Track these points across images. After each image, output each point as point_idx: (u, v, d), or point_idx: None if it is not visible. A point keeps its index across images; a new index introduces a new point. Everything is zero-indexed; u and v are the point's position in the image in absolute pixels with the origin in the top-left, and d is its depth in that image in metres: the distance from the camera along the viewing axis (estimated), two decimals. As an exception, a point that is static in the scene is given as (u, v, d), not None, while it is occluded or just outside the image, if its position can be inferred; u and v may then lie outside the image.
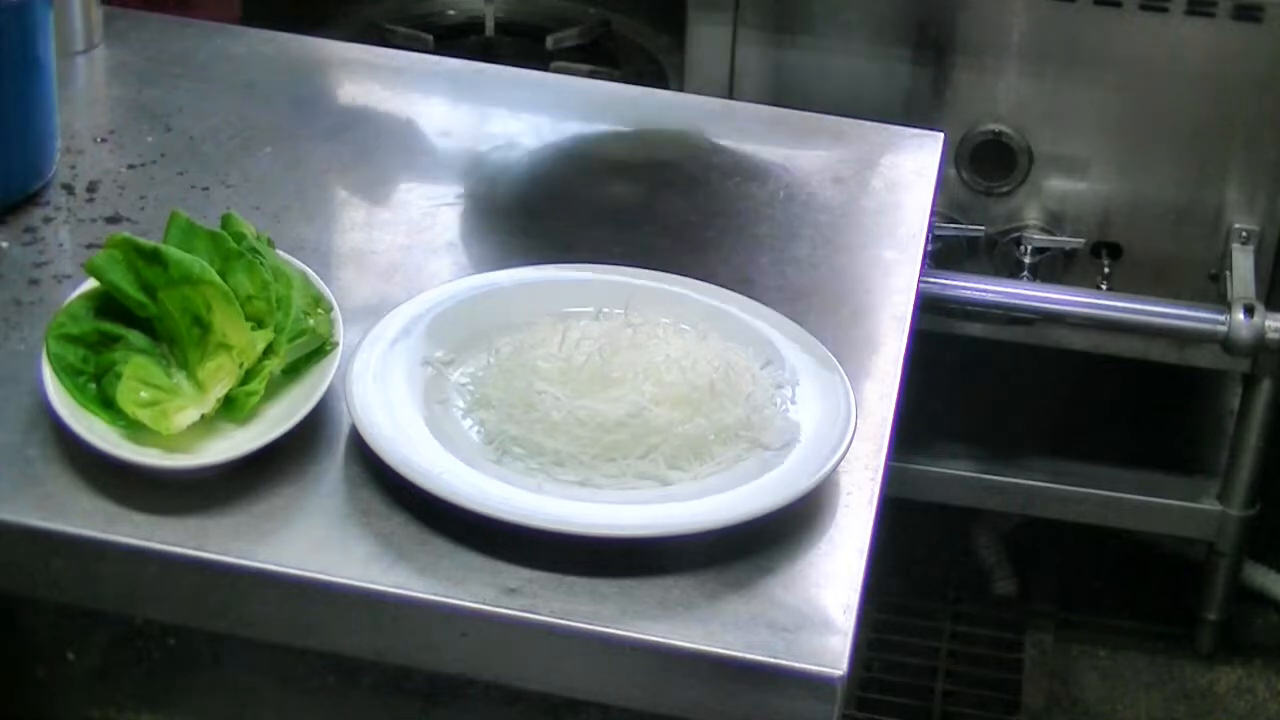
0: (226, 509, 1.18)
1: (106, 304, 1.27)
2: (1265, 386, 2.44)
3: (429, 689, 1.44)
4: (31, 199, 1.48)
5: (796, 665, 1.11)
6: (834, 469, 1.21)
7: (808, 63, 2.42)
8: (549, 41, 2.67)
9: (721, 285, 1.40)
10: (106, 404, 1.21)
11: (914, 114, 2.38)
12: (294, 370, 1.26)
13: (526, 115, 1.69)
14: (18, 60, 1.45)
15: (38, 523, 1.17)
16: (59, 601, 1.34)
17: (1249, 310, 2.30)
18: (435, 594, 1.13)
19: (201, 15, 1.84)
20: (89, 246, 1.42)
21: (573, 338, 1.28)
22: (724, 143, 1.66)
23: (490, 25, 2.73)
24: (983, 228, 2.44)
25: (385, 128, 1.66)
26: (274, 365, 1.24)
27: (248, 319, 1.25)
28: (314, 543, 1.17)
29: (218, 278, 1.25)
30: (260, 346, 1.24)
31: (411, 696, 1.45)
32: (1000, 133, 2.40)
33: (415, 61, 1.79)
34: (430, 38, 2.64)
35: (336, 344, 1.28)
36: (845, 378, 1.29)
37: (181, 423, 1.20)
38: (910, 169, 1.65)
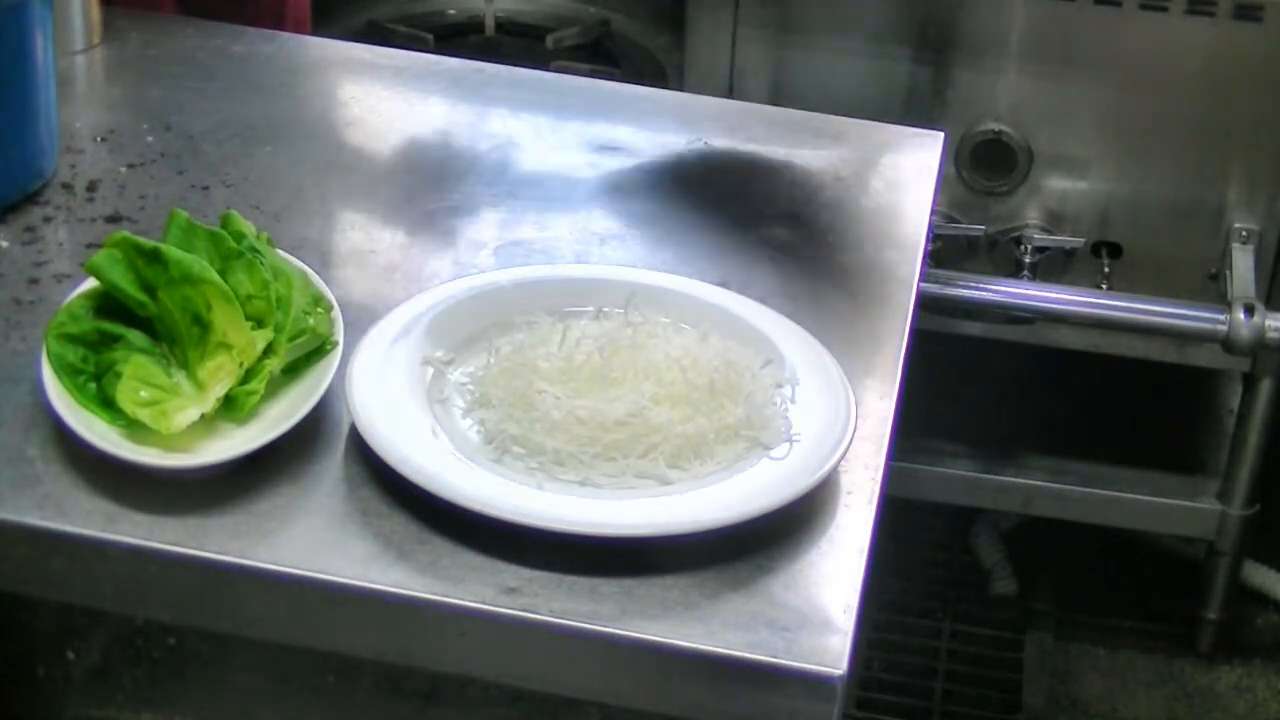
0: (226, 509, 1.18)
1: (106, 303, 1.27)
2: (1265, 386, 2.44)
3: (429, 689, 1.44)
4: (31, 198, 1.48)
5: (796, 665, 1.11)
6: (834, 469, 1.21)
7: (808, 63, 2.42)
8: (549, 41, 2.67)
9: (722, 285, 1.40)
10: (106, 403, 1.21)
11: (914, 114, 2.38)
12: (294, 370, 1.26)
13: (526, 115, 1.69)
14: (18, 60, 1.45)
15: (38, 523, 1.17)
16: (59, 601, 1.34)
17: (1249, 310, 2.30)
18: (435, 594, 1.13)
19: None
20: (89, 246, 1.42)
21: (573, 337, 1.28)
22: (724, 143, 1.66)
23: (490, 25, 2.72)
24: (983, 227, 2.44)
25: (385, 128, 1.65)
26: (274, 365, 1.24)
27: (248, 318, 1.25)
28: (314, 543, 1.16)
29: (218, 277, 1.25)
30: (260, 346, 1.24)
31: (411, 696, 1.45)
32: (1000, 133, 2.40)
33: (415, 61, 1.79)
34: (430, 37, 2.64)
35: (336, 343, 1.28)
36: (845, 378, 1.29)
37: (181, 422, 1.20)
38: (910, 169, 1.65)
